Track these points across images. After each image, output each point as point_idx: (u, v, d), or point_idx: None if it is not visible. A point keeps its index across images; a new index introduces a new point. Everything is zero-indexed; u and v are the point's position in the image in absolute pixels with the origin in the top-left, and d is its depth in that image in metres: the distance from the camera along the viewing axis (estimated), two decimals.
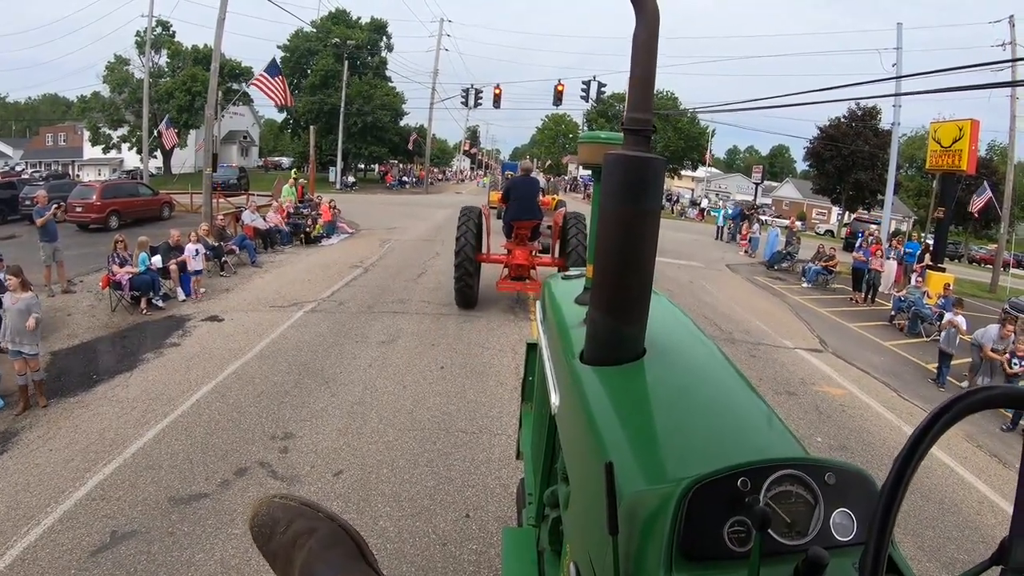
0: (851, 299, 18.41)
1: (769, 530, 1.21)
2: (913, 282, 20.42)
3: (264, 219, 18.32)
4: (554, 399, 2.45)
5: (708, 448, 1.65)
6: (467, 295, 11.88)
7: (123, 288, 11.44)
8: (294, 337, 9.84)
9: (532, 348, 4.05)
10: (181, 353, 9.15)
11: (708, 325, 12.40)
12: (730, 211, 32.30)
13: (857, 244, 23.83)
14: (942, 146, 22.39)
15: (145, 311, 11.33)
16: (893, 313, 15.82)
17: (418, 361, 8.97)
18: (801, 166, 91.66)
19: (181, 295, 12.33)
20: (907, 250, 22.89)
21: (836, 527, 1.29)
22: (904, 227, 45.96)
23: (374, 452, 6.29)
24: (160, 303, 11.76)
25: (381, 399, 7.57)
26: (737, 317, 13.65)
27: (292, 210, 20.62)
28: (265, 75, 17.66)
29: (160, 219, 24.57)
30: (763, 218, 32.70)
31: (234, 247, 15.47)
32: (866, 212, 47.05)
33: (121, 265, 11.61)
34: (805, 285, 19.97)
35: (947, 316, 12.02)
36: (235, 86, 59.13)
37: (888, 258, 20.55)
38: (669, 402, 1.99)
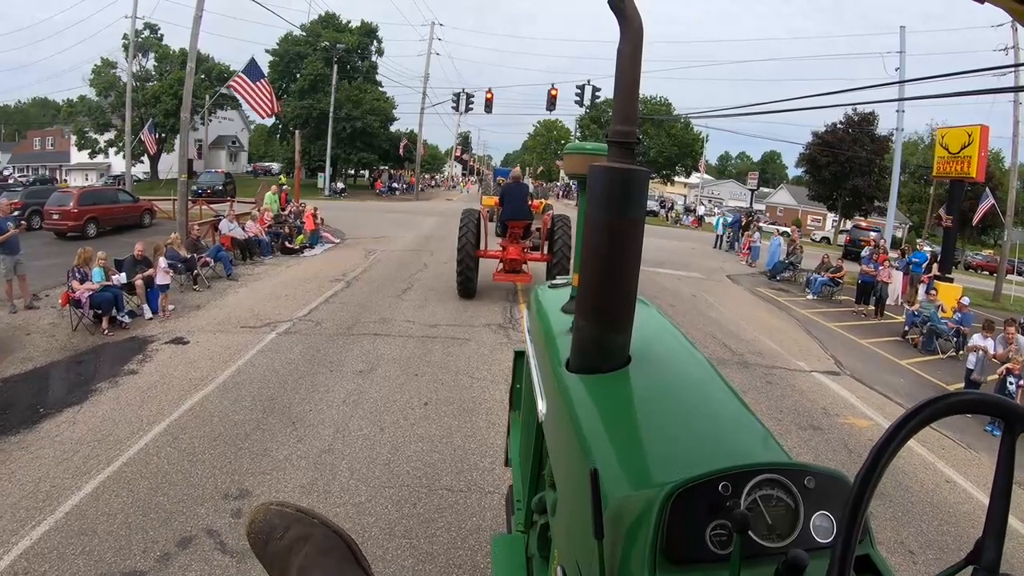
0: (858, 312, 17.61)
1: (750, 533, 1.24)
2: (921, 294, 19.70)
3: (243, 228, 17.36)
4: (541, 407, 2.47)
5: (691, 453, 1.67)
6: (468, 286, 13.28)
7: (83, 306, 10.50)
8: (262, 365, 8.84)
9: (520, 356, 4.05)
10: (137, 383, 8.19)
11: (717, 346, 11.52)
12: (729, 219, 31.44)
13: (866, 255, 23.13)
14: (950, 152, 21.66)
15: (107, 331, 10.38)
16: (906, 328, 14.97)
17: (399, 395, 7.95)
18: (793, 172, 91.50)
19: (148, 312, 11.38)
20: (914, 259, 22.12)
21: (816, 529, 1.31)
22: (899, 233, 45.25)
23: (343, 518, 5.27)
24: (125, 320, 10.83)
25: (354, 445, 6.55)
26: (746, 336, 12.76)
27: (273, 219, 19.64)
28: (244, 78, 16.43)
29: (141, 227, 23.71)
30: (762, 226, 31.76)
31: (208, 259, 14.50)
32: (863, 218, 46.53)
33: (81, 281, 10.67)
34: (810, 297, 19.16)
35: (974, 339, 11.22)
36: (223, 90, 58.16)
37: (894, 268, 19.80)
38: (654, 409, 2.02)
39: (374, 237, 23.09)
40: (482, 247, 13.66)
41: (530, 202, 14.65)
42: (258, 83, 16.37)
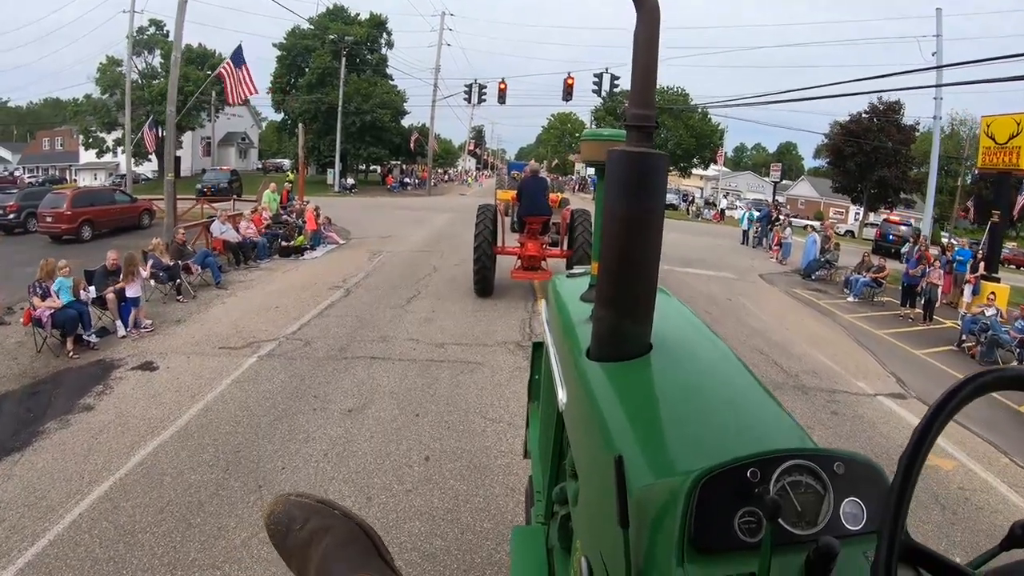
0: (904, 316, 16.19)
1: (779, 520, 1.21)
2: (967, 295, 18.29)
3: (237, 230, 16.06)
4: (561, 396, 2.41)
5: (716, 440, 1.64)
6: (485, 284, 12.87)
7: (45, 325, 9.27)
8: (235, 400, 7.44)
9: (538, 347, 4.02)
10: (90, 423, 6.90)
11: (768, 365, 10.10)
12: (756, 213, 29.82)
13: (906, 253, 21.65)
14: (996, 143, 20.11)
15: (72, 353, 9.14)
16: (963, 336, 13.50)
17: (394, 446, 6.43)
18: (810, 163, 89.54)
19: (121, 330, 10.11)
20: (957, 257, 20.63)
21: (846, 516, 1.26)
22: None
23: None
24: (93, 340, 9.58)
25: None
26: (795, 349, 11.31)
27: (271, 219, 18.30)
28: (230, 65, 15.12)
29: (139, 228, 22.62)
30: (793, 220, 29.95)
31: (194, 266, 13.21)
32: (888, 211, 44.95)
33: (43, 297, 9.41)
34: (851, 299, 17.68)
35: None
36: (214, 82, 56.96)
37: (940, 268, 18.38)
38: (677, 396, 1.99)
39: (381, 236, 21.70)
40: (499, 243, 13.26)
41: (549, 196, 13.88)
42: (240, 68, 15.08)
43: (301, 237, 17.74)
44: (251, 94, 16.80)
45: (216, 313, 11.34)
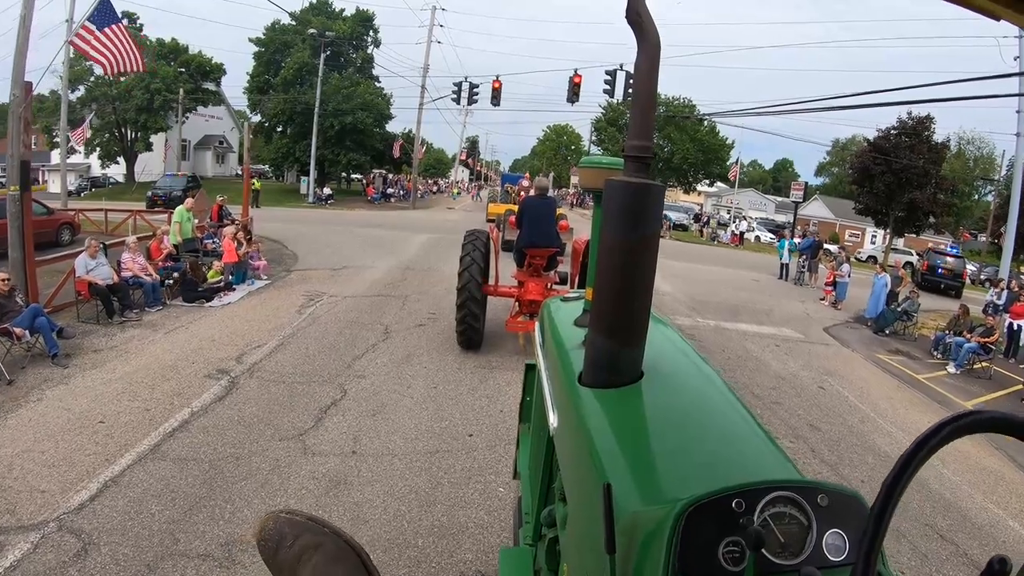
0: None
1: (763, 550, 1.21)
2: None
3: (117, 265, 11.39)
4: (552, 420, 2.42)
5: (704, 470, 1.63)
6: (472, 337, 10.17)
7: None
8: None
9: (531, 369, 3.93)
10: None
11: (969, 567, 5.51)
12: (799, 243, 25.24)
13: (998, 302, 17.51)
14: None
15: None
16: None
17: None
18: (808, 180, 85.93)
19: None
20: None
21: (829, 548, 1.27)
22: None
23: None
24: None
25: None
26: (972, 509, 6.61)
27: (181, 245, 13.55)
28: (90, 27, 10.28)
29: (57, 244, 18.10)
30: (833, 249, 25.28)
31: (20, 329, 8.52)
32: (915, 235, 41.09)
33: None
34: (951, 369, 13.28)
35: None
36: (208, 86, 52.85)
37: None
38: (666, 425, 1.98)
39: (332, 268, 16.50)
40: (491, 280, 10.55)
41: (558, 223, 11.41)
42: (107, 30, 10.32)
43: (212, 271, 12.92)
44: (137, 67, 12.01)
45: (10, 429, 6.55)
